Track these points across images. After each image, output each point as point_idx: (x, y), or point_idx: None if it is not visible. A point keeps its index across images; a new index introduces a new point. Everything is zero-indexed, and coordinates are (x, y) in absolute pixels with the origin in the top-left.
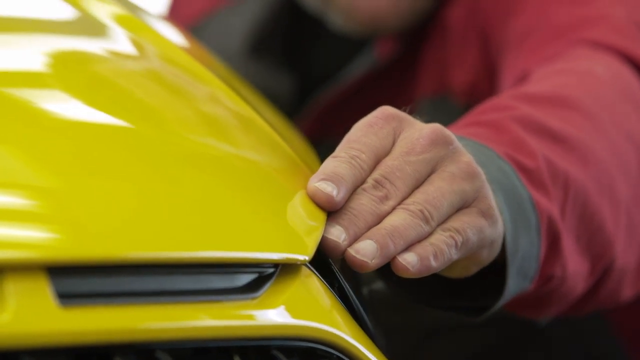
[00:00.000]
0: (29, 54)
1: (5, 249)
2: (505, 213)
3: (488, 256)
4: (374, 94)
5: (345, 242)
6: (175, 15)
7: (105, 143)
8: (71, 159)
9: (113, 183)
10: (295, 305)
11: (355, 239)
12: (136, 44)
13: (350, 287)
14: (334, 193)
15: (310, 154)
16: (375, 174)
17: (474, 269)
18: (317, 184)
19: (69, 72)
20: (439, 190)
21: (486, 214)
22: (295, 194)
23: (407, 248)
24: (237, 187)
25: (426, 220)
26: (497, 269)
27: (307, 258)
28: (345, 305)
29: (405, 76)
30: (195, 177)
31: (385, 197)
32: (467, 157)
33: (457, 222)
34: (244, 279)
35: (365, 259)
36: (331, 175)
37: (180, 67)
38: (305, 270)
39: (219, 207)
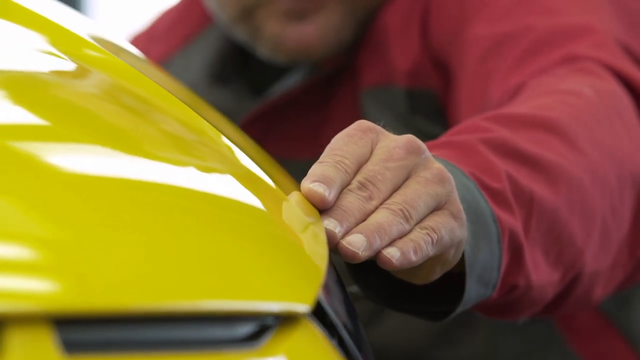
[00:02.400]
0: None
1: (9, 300)
2: (466, 225)
3: (453, 257)
4: (315, 99)
5: (340, 234)
6: None
7: (105, 192)
8: (72, 209)
9: (114, 233)
10: (295, 356)
11: (347, 233)
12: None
13: (351, 338)
14: (326, 193)
15: (285, 175)
16: (359, 177)
17: (438, 271)
18: (310, 185)
19: (61, 116)
20: (416, 192)
21: (456, 216)
22: (292, 235)
23: (391, 243)
24: (235, 232)
25: (406, 219)
26: (458, 277)
27: (308, 309)
28: (346, 357)
29: (343, 80)
30: (194, 225)
31: (370, 198)
32: (438, 165)
33: (432, 221)
34: (245, 329)
35: (356, 250)
36: (321, 177)
37: (173, 117)
38: (306, 320)
39: (218, 255)
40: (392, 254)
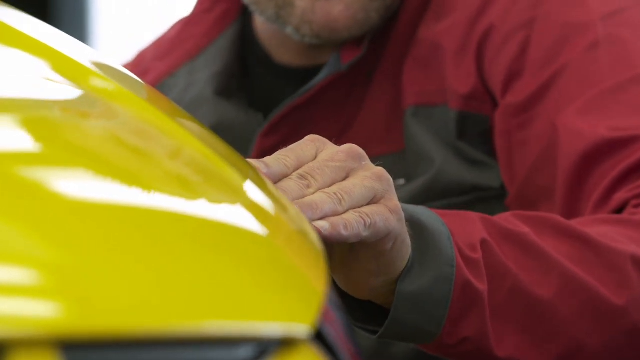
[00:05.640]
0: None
1: (13, 324)
2: (413, 245)
3: (392, 253)
4: (338, 99)
5: None
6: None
7: (107, 217)
8: (75, 233)
9: (116, 256)
10: None
11: None
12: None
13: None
14: (262, 166)
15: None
16: (300, 171)
17: (382, 262)
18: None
19: (60, 144)
20: (352, 183)
21: (392, 210)
22: (292, 258)
23: (323, 219)
24: (236, 257)
25: (339, 201)
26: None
27: (308, 332)
28: None
29: (370, 85)
30: (195, 250)
31: (308, 186)
32: (377, 168)
33: (366, 208)
34: (246, 352)
35: None
36: (259, 161)
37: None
38: (306, 343)
39: (220, 278)
40: (321, 224)
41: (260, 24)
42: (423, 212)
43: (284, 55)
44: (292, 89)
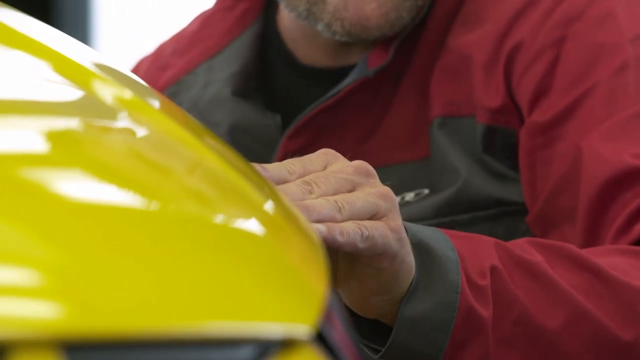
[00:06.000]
0: (26, 133)
1: (15, 326)
2: (417, 267)
3: (389, 270)
4: (364, 103)
5: None
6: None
7: (108, 218)
8: (76, 234)
9: (117, 257)
10: None
11: None
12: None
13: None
14: (260, 169)
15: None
16: (304, 178)
17: (381, 280)
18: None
19: (70, 150)
20: (355, 195)
21: (393, 229)
22: (293, 259)
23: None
24: (236, 255)
25: (339, 209)
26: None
27: (310, 333)
28: None
29: (398, 91)
30: (195, 249)
31: (310, 192)
32: (384, 187)
33: (366, 222)
34: (246, 353)
35: None
36: (259, 165)
37: (176, 142)
38: (307, 344)
39: (219, 278)
40: (318, 227)
41: (287, 21)
42: (433, 236)
43: (309, 54)
44: (315, 89)
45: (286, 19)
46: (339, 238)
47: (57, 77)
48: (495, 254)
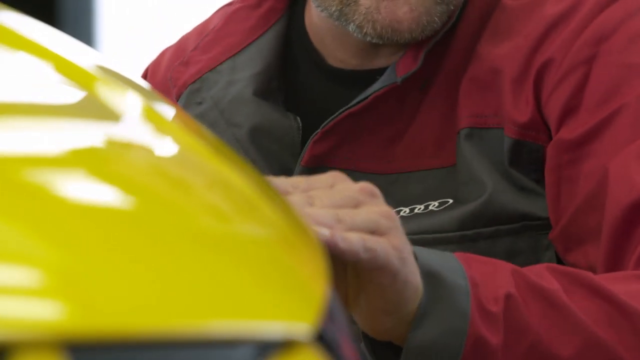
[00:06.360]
0: (30, 135)
1: (17, 326)
2: (425, 293)
3: (393, 289)
4: (391, 110)
5: None
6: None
7: (110, 219)
8: (78, 234)
9: (118, 257)
10: None
11: None
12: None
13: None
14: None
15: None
16: (308, 192)
17: (387, 299)
18: None
19: (74, 152)
20: (357, 211)
21: (395, 247)
22: (293, 259)
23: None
24: (236, 255)
25: (338, 220)
26: None
27: (309, 333)
28: None
29: (425, 99)
30: (195, 249)
31: (311, 204)
32: (387, 208)
33: (368, 236)
34: (246, 353)
35: None
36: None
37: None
38: (307, 345)
39: (219, 278)
40: (321, 231)
41: (317, 21)
42: (445, 264)
43: (338, 54)
44: (339, 90)
45: (316, 18)
46: (341, 244)
47: (59, 80)
48: (512, 281)
